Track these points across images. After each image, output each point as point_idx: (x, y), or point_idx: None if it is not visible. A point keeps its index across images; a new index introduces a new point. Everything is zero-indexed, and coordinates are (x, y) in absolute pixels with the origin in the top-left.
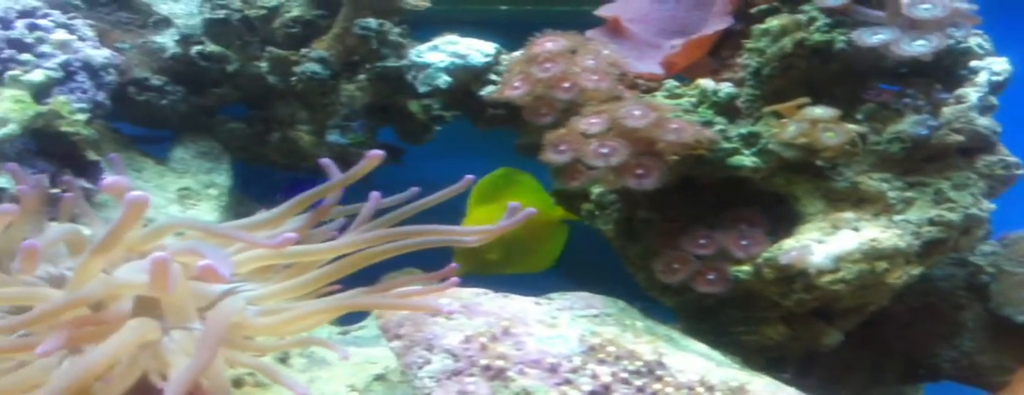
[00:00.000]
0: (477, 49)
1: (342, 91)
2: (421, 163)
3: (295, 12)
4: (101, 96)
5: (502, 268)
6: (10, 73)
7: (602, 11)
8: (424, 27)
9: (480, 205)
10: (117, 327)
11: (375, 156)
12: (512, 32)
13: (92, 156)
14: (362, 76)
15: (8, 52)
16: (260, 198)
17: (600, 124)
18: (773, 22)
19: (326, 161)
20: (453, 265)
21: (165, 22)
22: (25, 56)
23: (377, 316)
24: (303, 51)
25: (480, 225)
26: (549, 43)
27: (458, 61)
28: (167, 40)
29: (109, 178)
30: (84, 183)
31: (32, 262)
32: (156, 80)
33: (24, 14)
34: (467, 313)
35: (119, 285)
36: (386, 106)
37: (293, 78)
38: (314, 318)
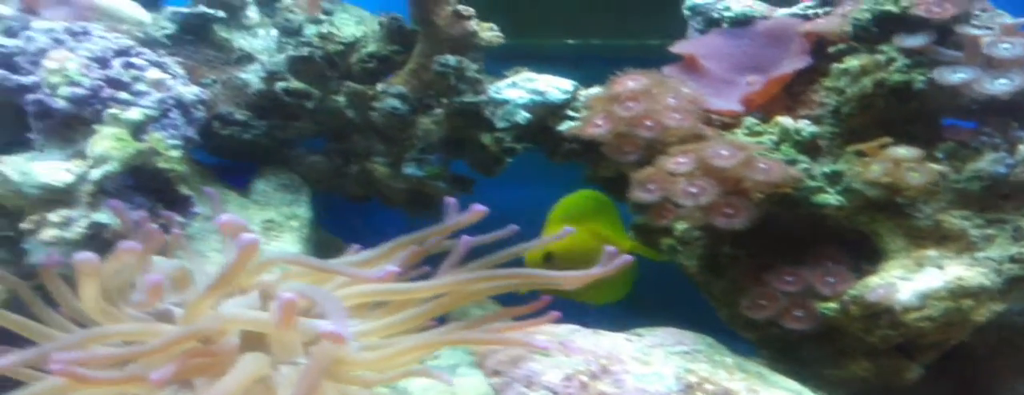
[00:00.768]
0: (555, 86)
1: (418, 125)
2: (490, 190)
3: (371, 48)
4: (191, 132)
5: (575, 296)
6: (110, 112)
7: (677, 48)
8: (494, 60)
9: (559, 224)
10: (226, 360)
11: (478, 212)
12: (579, 65)
13: (184, 191)
14: (438, 110)
15: (108, 91)
16: (335, 229)
17: (688, 164)
18: (852, 62)
19: (450, 200)
20: (545, 298)
21: (248, 58)
22: (123, 95)
23: (472, 352)
24: (380, 86)
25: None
26: (630, 82)
27: (537, 98)
28: (251, 76)
29: (225, 216)
30: (177, 216)
31: (156, 296)
32: (240, 115)
33: (120, 53)
34: (564, 350)
35: (230, 320)
36: (460, 139)
37: (373, 113)
38: (415, 353)
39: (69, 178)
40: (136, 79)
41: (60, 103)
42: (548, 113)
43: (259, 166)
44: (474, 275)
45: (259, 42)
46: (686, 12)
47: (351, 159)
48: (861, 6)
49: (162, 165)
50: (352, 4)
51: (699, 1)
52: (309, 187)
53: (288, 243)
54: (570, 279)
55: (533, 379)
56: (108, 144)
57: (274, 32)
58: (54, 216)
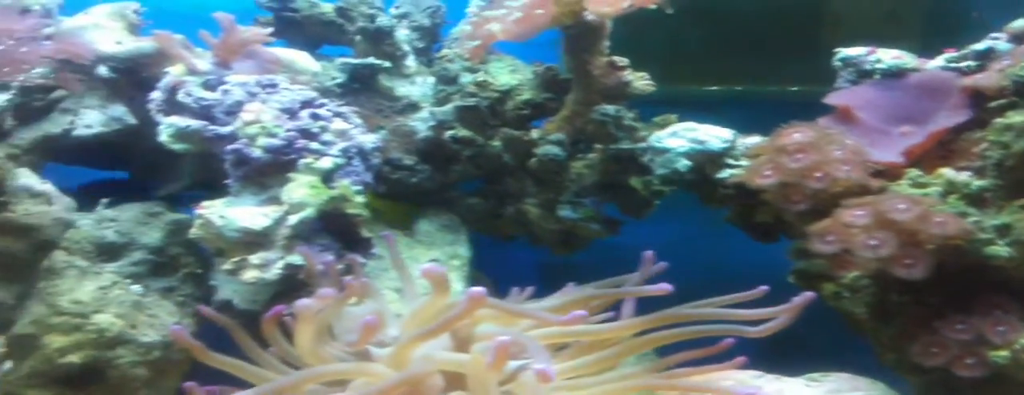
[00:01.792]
0: (715, 135)
1: (571, 169)
2: (634, 230)
3: (526, 96)
4: (369, 177)
5: None
6: (304, 161)
7: (832, 99)
8: (638, 106)
9: None
10: None
11: (661, 266)
12: (720, 110)
13: (365, 233)
14: (591, 155)
15: (301, 141)
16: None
17: (865, 217)
18: (1016, 118)
19: (649, 254)
20: (729, 340)
21: (413, 106)
22: (314, 144)
23: None
24: (534, 133)
25: None
26: (797, 134)
27: (697, 147)
28: (418, 123)
29: (429, 266)
30: (359, 258)
31: (370, 336)
32: (408, 160)
33: (305, 104)
34: None
35: (439, 363)
36: (612, 183)
37: (532, 158)
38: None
39: (266, 223)
40: (323, 129)
41: (257, 152)
42: (707, 161)
43: (422, 208)
44: (661, 315)
45: (417, 90)
46: (837, 63)
47: (506, 201)
48: (1020, 63)
49: (350, 211)
50: (505, 53)
51: (850, 53)
52: (466, 227)
53: (453, 282)
54: (761, 331)
55: None
56: (304, 192)
57: (431, 80)
58: (254, 258)
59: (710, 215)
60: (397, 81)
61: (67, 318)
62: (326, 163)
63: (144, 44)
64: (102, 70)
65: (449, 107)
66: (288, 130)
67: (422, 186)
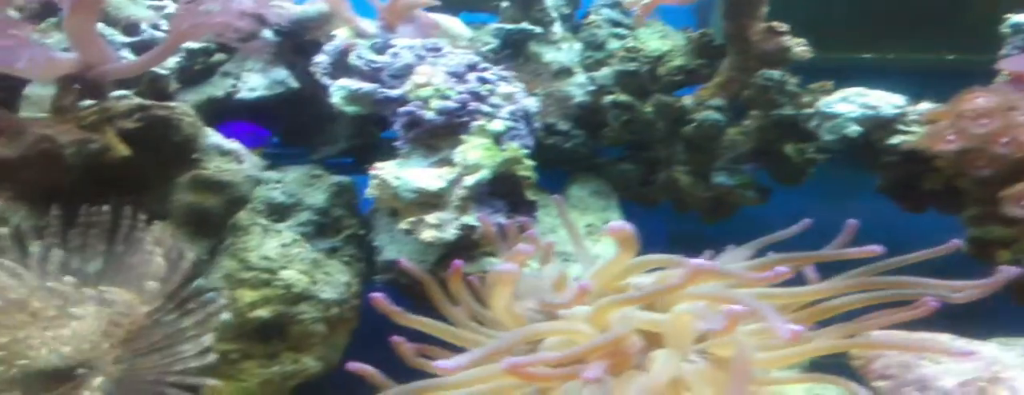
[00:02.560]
0: (887, 101)
1: (726, 135)
2: (787, 200)
3: (678, 61)
4: (531, 140)
5: None
6: (477, 123)
7: (1007, 65)
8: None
9: None
10: (631, 359)
11: (853, 224)
12: (874, 78)
13: (530, 196)
14: (747, 122)
15: (474, 104)
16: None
17: None
18: None
19: (852, 222)
20: (932, 303)
21: (566, 71)
22: (485, 107)
23: (852, 357)
24: (686, 99)
25: None
26: (980, 99)
27: (869, 112)
28: (572, 88)
29: (616, 224)
30: (525, 219)
31: (580, 300)
32: (562, 125)
33: (470, 68)
34: (952, 356)
35: (639, 322)
36: (766, 150)
37: (686, 124)
38: (813, 354)
39: (441, 184)
40: (490, 92)
41: (430, 115)
42: (877, 126)
43: (572, 174)
44: (859, 281)
45: (564, 55)
46: (1006, 30)
47: (655, 168)
48: None
49: (521, 173)
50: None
51: (1021, 19)
52: (617, 194)
53: (609, 247)
54: (965, 287)
55: (927, 383)
56: (479, 153)
57: (577, 46)
58: (431, 218)
59: (851, 184)
60: (544, 47)
61: (256, 273)
62: (497, 126)
63: (309, 8)
64: (267, 34)
65: (608, 71)
66: (460, 93)
67: (575, 151)
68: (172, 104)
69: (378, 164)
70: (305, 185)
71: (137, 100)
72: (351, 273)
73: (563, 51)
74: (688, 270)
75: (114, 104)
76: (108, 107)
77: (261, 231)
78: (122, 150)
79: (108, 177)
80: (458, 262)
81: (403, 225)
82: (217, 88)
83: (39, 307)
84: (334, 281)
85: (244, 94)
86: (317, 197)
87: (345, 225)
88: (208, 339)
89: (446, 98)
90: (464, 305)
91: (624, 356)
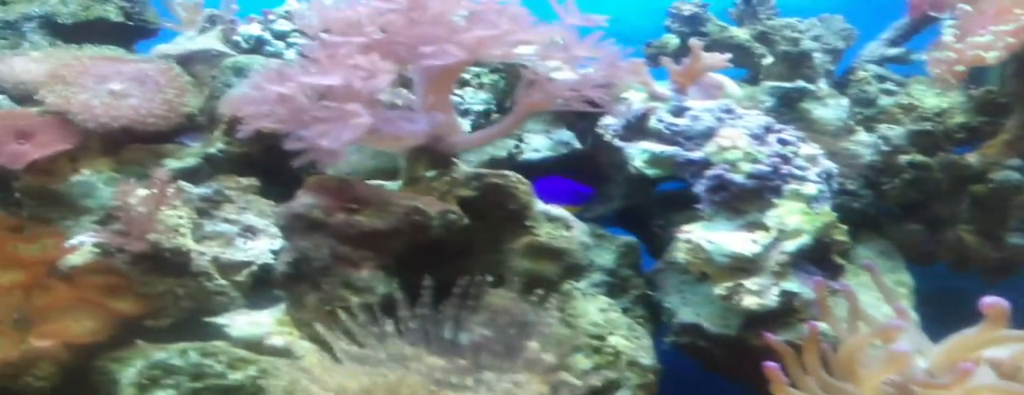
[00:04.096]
0: None
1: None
2: None
3: (959, 119)
4: (830, 203)
5: None
6: (790, 187)
7: None
8: None
9: None
10: None
11: None
12: None
13: (838, 259)
14: None
15: (785, 168)
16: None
17: None
18: None
19: None
20: None
21: (847, 129)
22: (794, 170)
23: None
24: (970, 157)
25: None
26: None
27: None
28: (859, 147)
29: (989, 299)
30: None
31: (964, 379)
32: (851, 184)
33: (767, 129)
34: None
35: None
36: None
37: (984, 183)
38: None
39: (756, 249)
40: (794, 154)
41: (740, 178)
42: None
43: (858, 233)
44: None
45: (832, 112)
46: None
47: (938, 227)
48: None
49: (838, 237)
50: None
51: None
52: (901, 254)
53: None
54: None
55: None
56: (799, 218)
57: (843, 102)
58: (750, 284)
59: None
60: (813, 103)
61: (588, 340)
62: (810, 189)
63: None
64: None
65: (900, 131)
66: (769, 156)
67: (863, 211)
68: (506, 172)
69: (685, 227)
70: (594, 245)
71: (473, 169)
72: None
73: (830, 107)
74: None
75: (459, 173)
76: (456, 177)
77: (581, 296)
78: (464, 218)
79: (439, 244)
80: (814, 324)
81: (719, 291)
82: (499, 149)
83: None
84: (645, 346)
85: (528, 155)
86: (606, 257)
87: (632, 285)
88: None
89: (756, 162)
90: (815, 375)
91: None
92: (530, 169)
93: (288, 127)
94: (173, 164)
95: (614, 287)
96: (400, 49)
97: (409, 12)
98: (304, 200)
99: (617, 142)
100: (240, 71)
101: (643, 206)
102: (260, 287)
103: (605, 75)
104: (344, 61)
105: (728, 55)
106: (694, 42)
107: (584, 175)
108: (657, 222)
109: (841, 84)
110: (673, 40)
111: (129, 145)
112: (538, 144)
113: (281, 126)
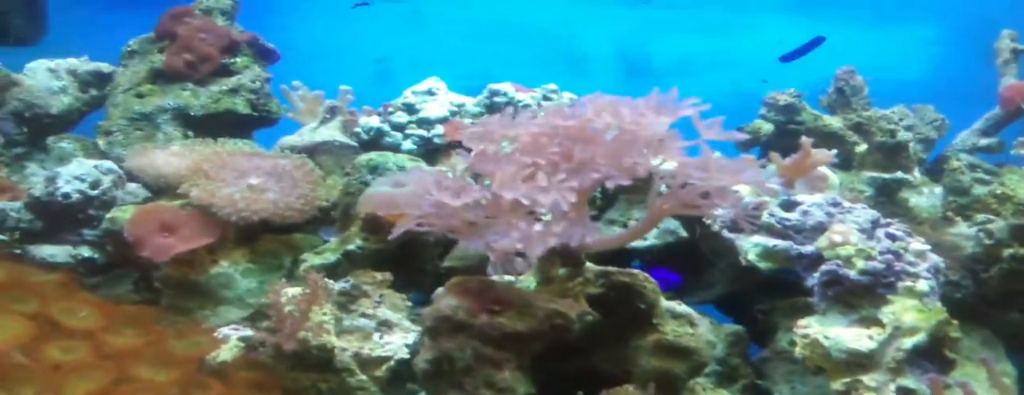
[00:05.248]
0: None
1: None
2: None
3: None
4: (938, 296)
5: None
6: (903, 284)
7: None
8: None
9: None
10: None
11: None
12: None
13: (950, 354)
14: None
15: (899, 264)
16: None
17: None
18: None
19: None
20: None
21: (946, 220)
22: (905, 266)
23: None
24: None
25: None
26: None
27: None
28: (960, 239)
29: None
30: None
31: None
32: (953, 275)
33: (875, 223)
34: None
35: None
36: None
37: None
38: None
39: (872, 345)
40: (904, 249)
41: (854, 274)
42: None
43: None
44: None
45: (925, 200)
46: None
47: None
48: None
49: (952, 334)
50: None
51: None
52: (1002, 343)
53: None
54: None
55: None
56: (914, 315)
57: (937, 190)
58: (869, 380)
59: None
60: (909, 192)
61: None
62: (922, 286)
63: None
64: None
65: (1002, 224)
66: (882, 253)
67: (964, 301)
68: (634, 271)
69: (801, 322)
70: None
71: (599, 267)
72: None
73: (925, 196)
74: None
75: (589, 272)
76: (588, 277)
77: (702, 390)
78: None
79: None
80: None
81: (837, 386)
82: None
83: None
84: None
85: (636, 243)
86: (717, 346)
87: (741, 374)
88: None
89: (870, 258)
90: None
91: None
92: (628, 254)
93: (439, 230)
94: (314, 261)
95: (723, 376)
96: (580, 167)
97: (584, 131)
98: (449, 301)
99: (726, 233)
100: (375, 169)
101: (745, 291)
102: (397, 382)
103: (737, 183)
104: (523, 176)
105: (834, 151)
106: (805, 140)
107: (681, 261)
108: (759, 307)
109: (932, 171)
110: (766, 126)
111: (262, 236)
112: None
113: (432, 229)
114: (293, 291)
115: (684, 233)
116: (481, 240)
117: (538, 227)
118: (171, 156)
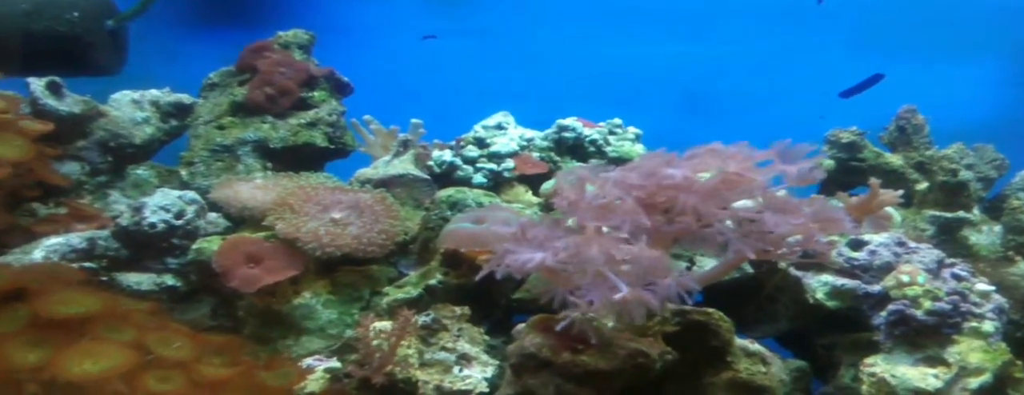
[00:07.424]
0: None
1: None
2: None
3: None
4: (1001, 335)
5: None
6: (969, 325)
7: None
8: None
9: None
10: None
11: None
12: None
13: (1012, 394)
14: None
15: (965, 305)
16: None
17: None
18: None
19: None
20: None
21: (1007, 260)
22: (972, 307)
23: None
24: None
25: None
26: None
27: None
28: (1020, 279)
29: None
30: None
31: None
32: (1014, 314)
33: (940, 263)
34: None
35: None
36: None
37: None
38: None
39: (938, 384)
40: (969, 290)
41: (921, 314)
42: None
43: None
44: None
45: (985, 238)
46: None
47: None
48: None
49: (1016, 375)
50: None
51: None
52: None
53: None
54: None
55: None
56: (979, 356)
57: (997, 228)
58: None
59: None
60: (969, 231)
61: None
62: (988, 326)
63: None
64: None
65: None
66: (948, 294)
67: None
68: (709, 310)
69: (868, 360)
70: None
71: (676, 305)
72: None
73: (984, 234)
74: None
75: (666, 311)
76: (665, 316)
77: None
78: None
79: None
80: None
81: None
82: None
83: None
84: None
85: None
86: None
87: None
88: None
89: (937, 299)
90: None
91: None
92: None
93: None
94: (397, 295)
95: None
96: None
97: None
98: (533, 339)
99: (793, 271)
100: (454, 205)
101: (805, 326)
102: None
103: (821, 228)
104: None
105: (900, 192)
106: (874, 181)
107: (743, 295)
108: (821, 342)
109: (991, 209)
110: (827, 162)
111: (341, 267)
112: (709, 267)
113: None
114: (381, 325)
115: (750, 270)
116: (566, 289)
117: (644, 292)
118: (256, 189)
